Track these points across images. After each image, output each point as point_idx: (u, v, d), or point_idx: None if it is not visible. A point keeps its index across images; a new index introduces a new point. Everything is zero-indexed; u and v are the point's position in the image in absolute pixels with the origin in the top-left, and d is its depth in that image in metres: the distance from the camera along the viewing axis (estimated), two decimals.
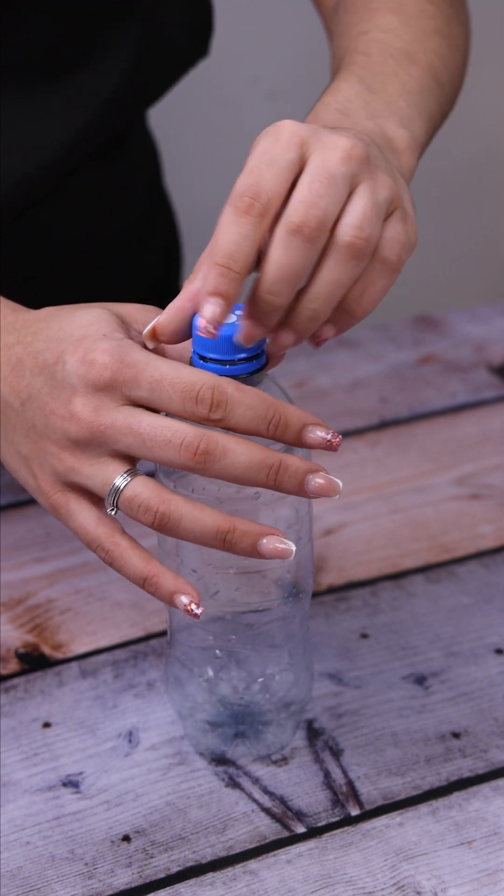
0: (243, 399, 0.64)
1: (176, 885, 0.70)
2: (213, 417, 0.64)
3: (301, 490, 0.65)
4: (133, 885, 0.70)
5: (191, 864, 0.71)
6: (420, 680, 0.82)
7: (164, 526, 0.65)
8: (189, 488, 0.69)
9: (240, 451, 0.64)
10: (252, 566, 0.71)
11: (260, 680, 0.74)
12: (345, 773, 0.76)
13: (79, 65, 0.92)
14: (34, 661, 0.84)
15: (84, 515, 0.68)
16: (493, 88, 1.97)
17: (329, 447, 0.66)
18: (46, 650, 0.84)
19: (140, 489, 0.65)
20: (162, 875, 0.70)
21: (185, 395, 0.64)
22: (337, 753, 0.77)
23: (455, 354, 1.16)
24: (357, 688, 0.81)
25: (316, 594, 0.88)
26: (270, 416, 0.65)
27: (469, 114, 1.97)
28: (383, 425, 1.07)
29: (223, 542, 0.65)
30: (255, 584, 0.71)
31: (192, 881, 0.70)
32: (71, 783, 0.75)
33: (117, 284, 1.10)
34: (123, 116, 0.99)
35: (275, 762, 0.76)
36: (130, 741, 0.78)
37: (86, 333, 0.67)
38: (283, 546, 0.65)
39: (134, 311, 0.69)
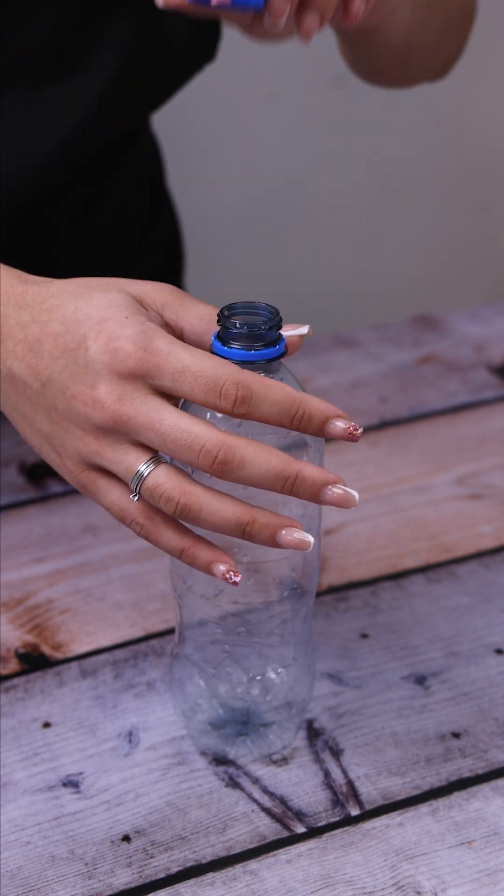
0: (268, 395, 0.65)
1: (176, 885, 0.70)
2: (237, 412, 0.65)
3: (317, 499, 0.66)
4: (133, 885, 0.70)
5: (191, 864, 0.71)
6: (420, 680, 0.82)
7: (185, 516, 0.66)
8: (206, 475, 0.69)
9: (258, 463, 0.65)
10: (261, 560, 0.71)
11: (261, 678, 0.74)
12: (345, 773, 0.76)
13: (73, 62, 0.92)
14: (34, 661, 0.84)
15: (115, 492, 0.69)
16: (494, 89, 1.97)
17: (351, 438, 0.67)
18: (46, 650, 0.84)
19: (162, 479, 0.66)
20: (162, 875, 0.70)
21: (208, 388, 0.65)
22: (337, 753, 0.77)
23: (455, 354, 1.16)
24: (357, 688, 0.81)
25: (316, 594, 0.88)
26: (294, 411, 0.66)
27: (469, 114, 1.97)
28: (383, 425, 1.07)
29: (243, 532, 0.66)
30: (264, 578, 0.71)
31: (192, 881, 0.70)
32: (71, 783, 0.75)
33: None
34: (122, 116, 0.99)
35: (275, 762, 0.76)
36: (130, 741, 0.78)
37: (106, 316, 0.67)
38: (301, 537, 0.66)
39: (150, 290, 0.70)
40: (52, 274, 0.74)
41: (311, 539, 0.66)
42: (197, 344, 0.70)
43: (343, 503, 0.66)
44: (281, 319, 0.68)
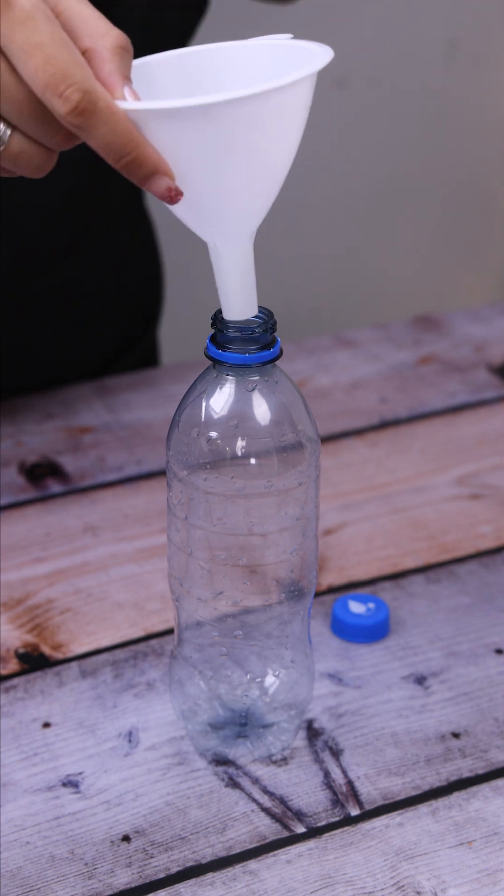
0: (109, 120, 0.59)
1: (176, 885, 0.69)
2: (69, 120, 0.59)
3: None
4: (133, 885, 0.70)
5: (191, 864, 0.71)
6: (420, 680, 0.82)
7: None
8: (208, 476, 0.69)
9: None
10: (260, 561, 0.71)
11: (260, 679, 0.74)
12: (345, 773, 0.76)
13: None
14: (34, 661, 0.84)
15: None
16: (494, 90, 1.97)
17: (168, 199, 0.62)
18: (46, 650, 0.84)
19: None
20: (162, 875, 0.70)
21: (50, 80, 0.58)
22: (337, 753, 0.77)
23: (455, 354, 1.16)
24: (357, 688, 0.81)
25: (316, 594, 0.88)
26: (128, 151, 0.60)
27: (470, 114, 1.97)
28: (383, 425, 1.07)
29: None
30: (260, 579, 0.72)
31: (192, 881, 0.70)
32: (71, 783, 0.75)
33: (95, 282, 1.10)
34: None
35: (275, 762, 0.76)
36: (130, 741, 0.78)
37: None
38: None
39: None
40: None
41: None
42: (67, 34, 0.61)
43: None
44: (275, 322, 0.68)
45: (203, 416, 0.69)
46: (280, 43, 0.68)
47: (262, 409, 0.69)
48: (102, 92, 0.60)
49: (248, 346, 0.67)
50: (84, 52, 0.61)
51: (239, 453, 0.69)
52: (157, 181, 0.62)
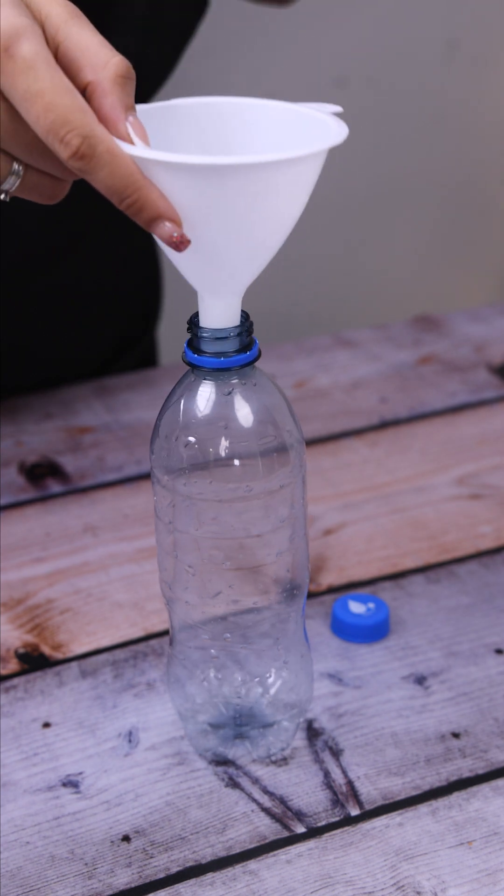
0: (110, 163, 0.61)
1: (176, 885, 0.69)
2: (71, 164, 0.61)
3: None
4: (133, 885, 0.70)
5: (191, 864, 0.71)
6: (420, 680, 0.82)
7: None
8: (188, 481, 0.69)
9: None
10: (248, 563, 0.71)
11: (257, 680, 0.74)
12: (345, 773, 0.76)
13: None
14: (34, 661, 0.84)
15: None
16: (492, 90, 1.97)
17: (173, 245, 0.63)
18: (46, 650, 0.84)
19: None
20: (162, 875, 0.70)
21: (52, 126, 0.60)
22: (337, 753, 0.77)
23: (455, 354, 1.16)
24: (357, 688, 0.81)
25: (316, 594, 0.88)
26: (129, 193, 0.61)
27: (469, 114, 1.97)
28: (383, 425, 1.07)
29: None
30: (249, 582, 0.71)
31: (192, 881, 0.70)
32: (71, 783, 0.75)
33: (94, 282, 1.10)
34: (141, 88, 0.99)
35: (275, 762, 0.76)
36: (130, 741, 0.78)
37: None
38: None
39: None
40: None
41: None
42: (68, 66, 0.63)
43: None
44: (252, 324, 0.68)
45: (183, 420, 0.68)
46: (300, 110, 0.67)
47: (243, 412, 0.68)
48: (103, 135, 0.61)
49: (224, 350, 0.67)
50: (86, 86, 0.62)
51: (222, 456, 0.69)
52: (159, 226, 0.63)
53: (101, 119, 0.62)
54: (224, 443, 0.68)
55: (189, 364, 0.68)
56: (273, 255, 0.67)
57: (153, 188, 0.62)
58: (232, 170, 0.61)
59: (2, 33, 0.60)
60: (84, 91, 0.62)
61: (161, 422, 0.70)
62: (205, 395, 0.68)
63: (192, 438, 0.68)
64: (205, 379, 0.68)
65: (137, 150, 0.62)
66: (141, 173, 0.61)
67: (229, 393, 0.68)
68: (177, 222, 0.62)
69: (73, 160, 0.60)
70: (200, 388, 0.68)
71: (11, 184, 0.64)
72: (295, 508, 0.71)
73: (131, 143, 0.62)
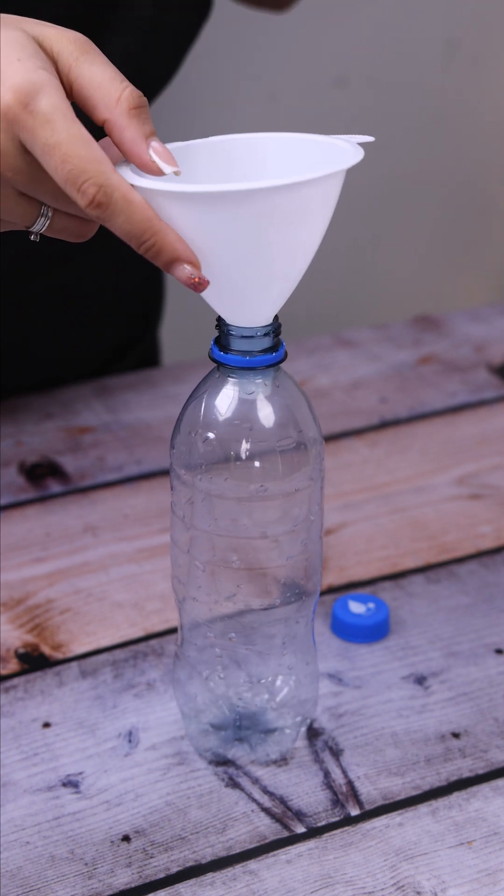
0: (126, 210, 0.63)
1: (176, 885, 0.70)
2: (90, 212, 0.63)
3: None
4: (133, 885, 0.70)
5: (191, 864, 0.71)
6: (420, 680, 0.82)
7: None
8: (206, 478, 0.69)
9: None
10: (260, 565, 0.71)
11: (263, 684, 0.74)
12: (345, 773, 0.76)
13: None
14: (34, 661, 0.84)
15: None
16: (493, 89, 1.97)
17: (192, 287, 0.65)
18: (46, 650, 0.84)
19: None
20: (162, 875, 0.70)
21: (70, 176, 0.62)
22: (337, 753, 0.77)
23: (455, 354, 1.16)
24: (357, 688, 0.81)
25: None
26: (146, 238, 0.64)
27: (469, 113, 1.97)
28: (383, 425, 1.07)
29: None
30: (260, 584, 0.71)
31: (192, 881, 0.70)
32: (71, 783, 0.75)
33: (95, 283, 1.10)
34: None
35: (275, 762, 0.76)
36: (130, 741, 0.78)
37: None
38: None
39: (52, 34, 0.66)
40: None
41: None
42: (83, 104, 0.65)
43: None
44: (280, 325, 0.68)
45: (207, 418, 0.69)
46: (319, 139, 0.69)
47: (266, 413, 0.69)
48: (119, 183, 0.63)
49: (251, 350, 0.67)
50: (103, 124, 0.65)
51: (243, 456, 0.69)
52: (177, 269, 0.64)
53: (125, 152, 0.65)
54: (244, 441, 0.68)
55: (215, 361, 0.68)
56: (296, 284, 0.67)
57: (170, 232, 0.64)
58: (236, 196, 0.62)
59: (21, 90, 0.62)
60: (103, 126, 0.65)
61: (183, 417, 0.70)
62: (230, 394, 0.69)
63: (218, 436, 0.69)
64: (230, 377, 0.68)
65: (140, 181, 0.64)
66: (157, 218, 0.64)
67: (255, 392, 0.68)
68: (195, 264, 0.64)
69: (90, 208, 0.63)
70: (226, 387, 0.69)
71: (41, 226, 0.67)
72: (312, 511, 0.71)
73: (158, 170, 0.64)
